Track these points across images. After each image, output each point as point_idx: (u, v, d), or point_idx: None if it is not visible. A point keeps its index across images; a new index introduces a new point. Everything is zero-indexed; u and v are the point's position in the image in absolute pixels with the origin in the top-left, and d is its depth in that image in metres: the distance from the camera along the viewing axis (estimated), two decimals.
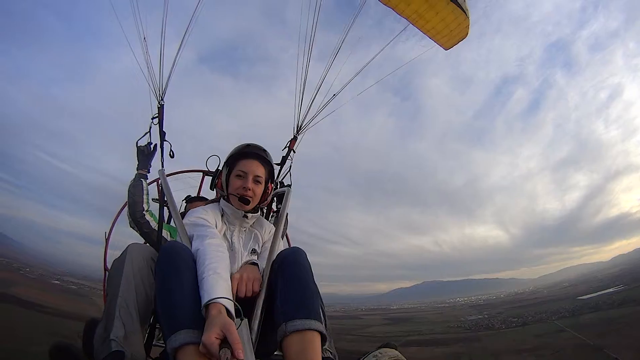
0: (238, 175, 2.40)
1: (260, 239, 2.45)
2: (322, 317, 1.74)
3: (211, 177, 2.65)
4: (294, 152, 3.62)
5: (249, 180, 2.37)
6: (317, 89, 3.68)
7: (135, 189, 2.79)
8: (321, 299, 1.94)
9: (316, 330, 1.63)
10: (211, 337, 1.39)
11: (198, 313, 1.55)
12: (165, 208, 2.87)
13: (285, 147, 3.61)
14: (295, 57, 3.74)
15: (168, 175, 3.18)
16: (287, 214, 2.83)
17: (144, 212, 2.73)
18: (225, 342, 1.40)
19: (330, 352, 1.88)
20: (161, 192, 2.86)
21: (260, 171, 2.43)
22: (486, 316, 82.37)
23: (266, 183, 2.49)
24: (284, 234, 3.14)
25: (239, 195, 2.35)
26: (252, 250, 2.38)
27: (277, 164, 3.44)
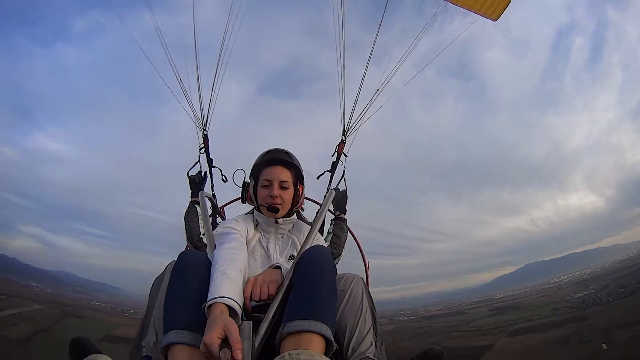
0: (264, 185, 2.38)
1: (299, 244, 2.38)
2: (334, 321, 1.63)
3: (240, 192, 2.62)
4: (346, 155, 3.40)
5: (275, 187, 2.34)
6: (359, 88, 3.51)
7: (190, 216, 2.90)
8: (374, 308, 1.89)
9: (316, 333, 1.50)
10: (213, 336, 1.36)
11: (194, 315, 1.53)
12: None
13: (334, 153, 3.41)
14: (346, 64, 3.56)
15: (221, 206, 3.34)
16: (324, 217, 2.72)
17: (200, 235, 2.80)
18: (226, 342, 1.37)
19: None
20: (212, 208, 3.12)
21: (286, 175, 2.40)
22: (592, 291, 77.04)
23: (295, 186, 2.46)
24: (342, 242, 2.96)
25: (267, 205, 2.34)
26: (289, 256, 2.33)
27: (328, 171, 3.36)
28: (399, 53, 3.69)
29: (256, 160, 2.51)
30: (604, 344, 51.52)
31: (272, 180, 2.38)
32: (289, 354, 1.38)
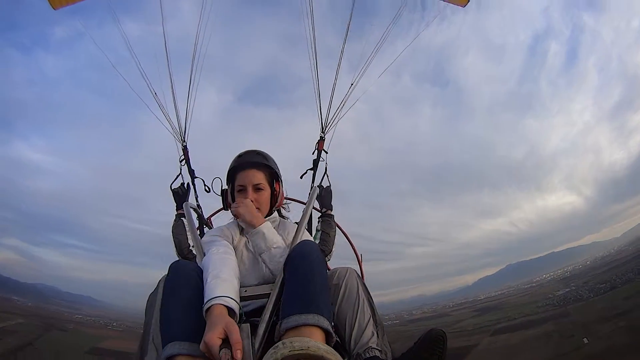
0: (239, 190, 2.37)
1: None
2: (330, 312, 1.62)
3: (221, 200, 2.60)
4: (326, 152, 3.42)
5: (249, 192, 2.31)
6: (334, 82, 3.51)
7: (178, 229, 2.87)
8: (370, 299, 1.92)
9: (315, 326, 1.50)
10: (213, 336, 1.37)
11: (192, 325, 1.53)
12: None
13: (314, 151, 3.43)
14: (322, 70, 3.57)
15: (208, 216, 3.39)
16: (311, 212, 2.80)
17: (190, 247, 2.78)
18: (226, 342, 1.38)
19: (379, 350, 1.71)
20: (199, 219, 3.18)
21: (259, 177, 2.35)
22: (574, 288, 78.21)
23: (272, 185, 2.43)
24: (332, 238, 2.96)
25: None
26: None
27: (310, 169, 3.39)
28: (372, 48, 3.71)
29: (230, 166, 2.47)
30: (585, 339, 51.97)
31: (246, 184, 2.35)
32: (283, 343, 1.39)
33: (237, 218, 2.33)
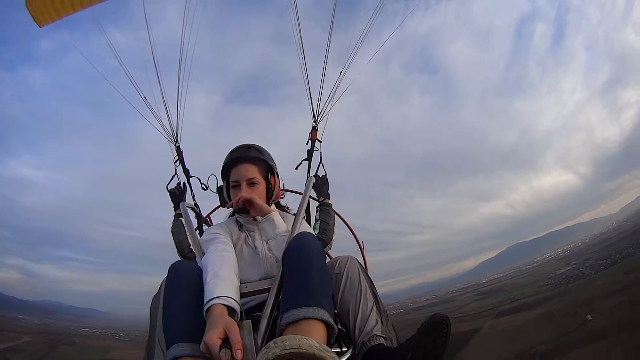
0: (233, 187, 2.34)
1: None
2: (330, 304, 1.60)
3: (218, 197, 2.58)
4: (320, 141, 3.39)
5: (243, 187, 2.29)
6: (323, 71, 3.51)
7: (177, 229, 2.89)
8: (373, 286, 1.91)
9: (315, 319, 1.48)
10: (213, 336, 1.35)
11: (193, 326, 1.53)
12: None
13: (308, 141, 3.40)
14: (310, 64, 3.59)
15: (207, 214, 3.40)
16: (308, 202, 2.81)
17: (190, 247, 2.77)
18: (226, 342, 1.37)
19: (384, 337, 1.70)
20: (197, 218, 3.16)
21: (252, 172, 2.33)
22: (575, 265, 78.40)
23: (267, 178, 2.38)
24: (331, 227, 2.96)
25: (237, 208, 2.31)
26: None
27: (305, 160, 3.37)
28: (358, 38, 3.68)
29: (223, 162, 2.44)
30: (588, 315, 51.95)
31: (240, 180, 2.33)
32: (274, 342, 1.34)
33: (248, 206, 2.28)
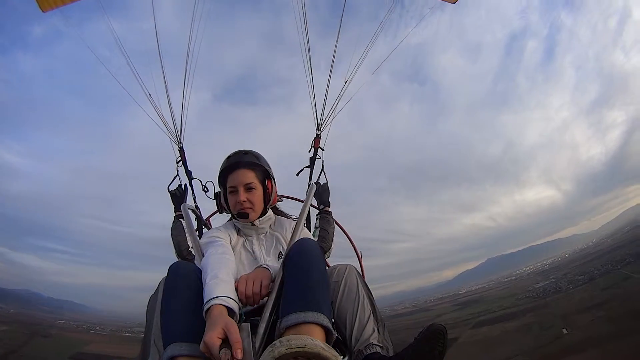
0: (231, 192, 2.35)
1: (283, 240, 2.39)
2: (330, 310, 1.62)
3: (215, 203, 2.61)
4: (322, 149, 3.45)
5: (241, 193, 2.29)
6: (328, 81, 3.57)
7: (177, 231, 2.87)
8: (371, 295, 1.90)
9: (314, 323, 1.50)
10: (213, 336, 1.36)
11: (192, 326, 1.54)
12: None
13: (310, 149, 3.45)
14: (303, 70, 3.69)
15: (207, 218, 3.38)
16: (309, 210, 2.84)
17: (189, 248, 2.77)
18: (226, 342, 1.38)
19: (380, 346, 1.69)
20: (197, 220, 3.14)
21: (249, 177, 2.33)
22: (553, 280, 79.25)
23: (263, 183, 2.40)
24: (330, 235, 3.01)
25: (236, 213, 2.33)
26: (278, 254, 2.32)
27: (307, 167, 3.41)
28: (355, 47, 3.88)
29: (220, 168, 2.46)
30: (564, 329, 52.38)
31: (237, 185, 2.34)
32: (280, 341, 1.39)
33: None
